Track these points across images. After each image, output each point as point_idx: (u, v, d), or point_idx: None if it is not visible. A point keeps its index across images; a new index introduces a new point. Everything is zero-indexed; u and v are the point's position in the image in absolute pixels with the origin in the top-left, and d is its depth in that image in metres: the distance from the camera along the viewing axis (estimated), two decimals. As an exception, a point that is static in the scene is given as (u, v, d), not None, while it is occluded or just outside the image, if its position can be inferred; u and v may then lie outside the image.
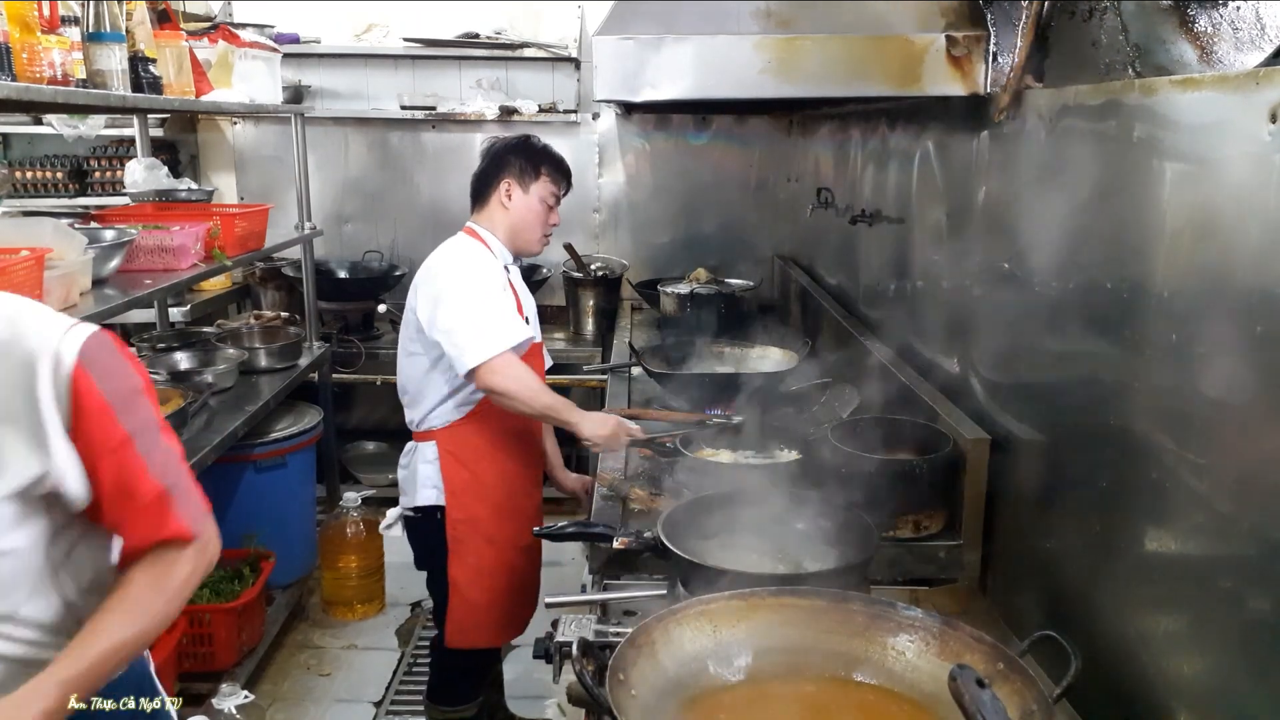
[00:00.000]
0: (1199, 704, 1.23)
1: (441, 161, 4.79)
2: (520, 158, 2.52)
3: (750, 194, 4.83)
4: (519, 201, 2.51)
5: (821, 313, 3.23)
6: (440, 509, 2.51)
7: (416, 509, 2.55)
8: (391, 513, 2.62)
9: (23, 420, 1.20)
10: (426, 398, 2.51)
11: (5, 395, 1.19)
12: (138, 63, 2.63)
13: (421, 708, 2.82)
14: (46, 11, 2.19)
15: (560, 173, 2.56)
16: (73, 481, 1.23)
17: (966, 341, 2.04)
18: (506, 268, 2.53)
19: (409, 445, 2.60)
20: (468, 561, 2.52)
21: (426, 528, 2.54)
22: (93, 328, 1.25)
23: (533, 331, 2.54)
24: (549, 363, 2.79)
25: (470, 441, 2.50)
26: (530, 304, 2.64)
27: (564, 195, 2.60)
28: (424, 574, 2.67)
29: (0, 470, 1.20)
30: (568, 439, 2.58)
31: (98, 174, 4.63)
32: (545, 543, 2.71)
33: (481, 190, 2.55)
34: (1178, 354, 1.25)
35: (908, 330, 2.48)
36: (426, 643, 3.40)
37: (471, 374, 2.31)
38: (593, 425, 2.34)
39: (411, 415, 2.57)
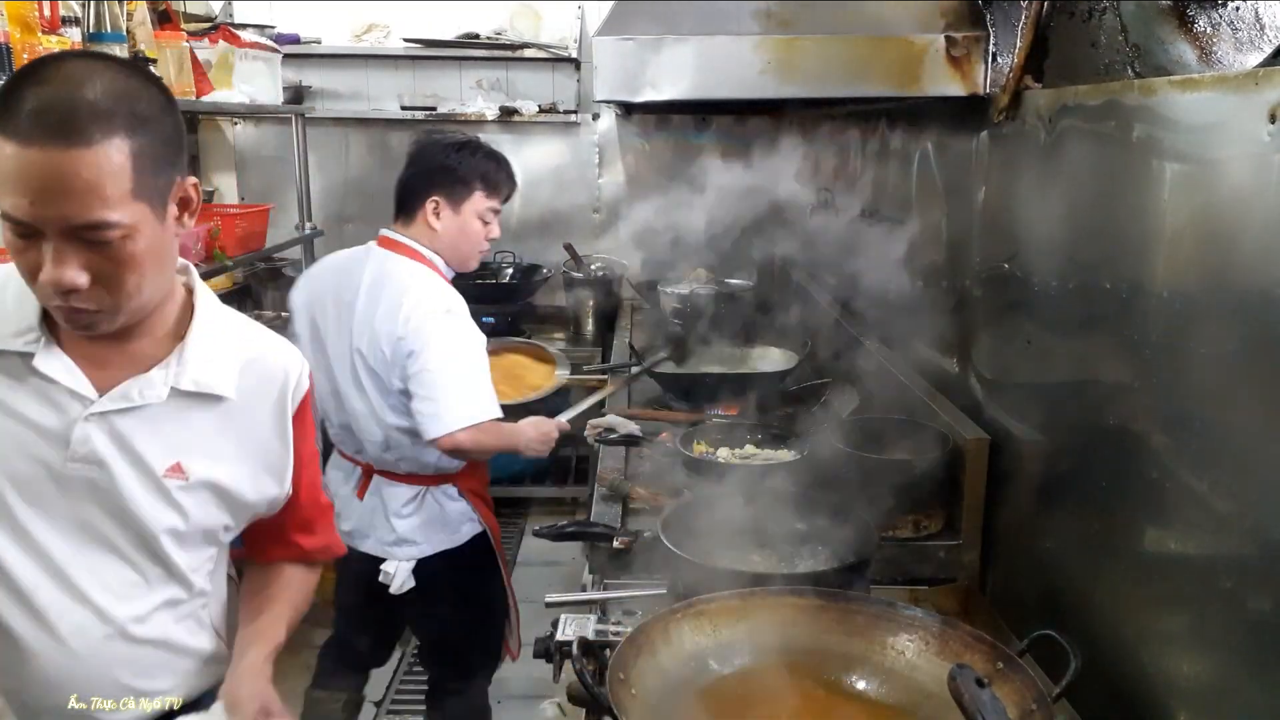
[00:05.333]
0: (1198, 703, 1.23)
1: (442, 162, 4.78)
2: (447, 173, 2.28)
3: (751, 194, 4.82)
4: (449, 223, 2.29)
5: (821, 313, 3.23)
6: (481, 535, 2.43)
7: (456, 549, 2.39)
8: (400, 571, 2.34)
9: (279, 429, 1.35)
10: (428, 454, 2.28)
11: (267, 412, 1.34)
12: (138, 63, 2.63)
13: (423, 708, 2.82)
14: (47, 12, 2.20)
15: (495, 185, 2.32)
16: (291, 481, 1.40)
17: (966, 341, 2.04)
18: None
19: (411, 491, 2.34)
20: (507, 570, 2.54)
21: (467, 560, 2.41)
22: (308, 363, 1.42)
23: None
24: None
25: (481, 475, 2.47)
26: None
27: (506, 201, 2.37)
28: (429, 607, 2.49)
29: (266, 481, 1.36)
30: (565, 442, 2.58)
31: (98, 174, 4.62)
32: (544, 542, 2.71)
33: (407, 203, 2.31)
34: (1177, 354, 1.25)
35: (907, 330, 2.49)
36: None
37: (441, 438, 2.15)
38: (535, 443, 2.34)
39: (408, 469, 2.34)
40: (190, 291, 1.31)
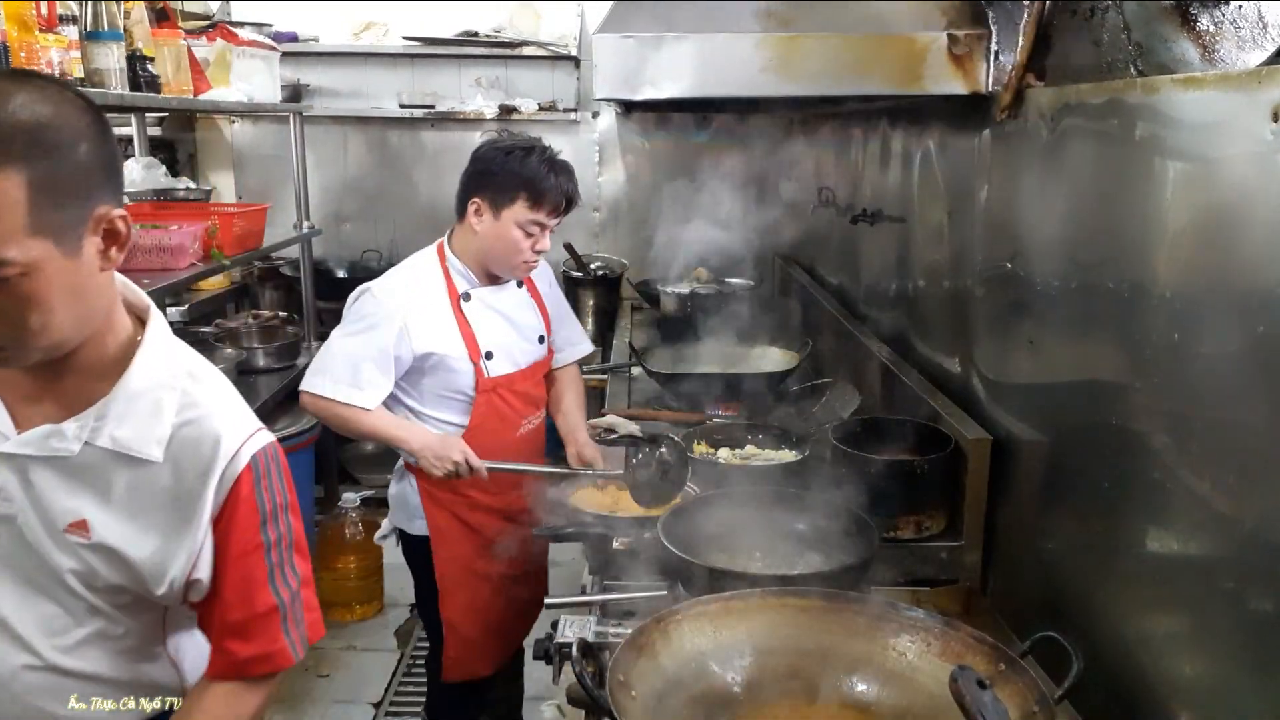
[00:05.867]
0: (1200, 705, 1.23)
1: (440, 160, 4.78)
2: (492, 177, 2.21)
3: (750, 194, 4.83)
4: (488, 227, 2.22)
5: (821, 313, 3.23)
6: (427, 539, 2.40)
7: (410, 534, 2.44)
8: (385, 524, 2.55)
9: (193, 506, 1.21)
10: None
11: (188, 485, 1.21)
12: (136, 61, 2.62)
13: (420, 708, 2.82)
14: (44, 10, 2.19)
15: (540, 195, 2.18)
16: (204, 569, 1.23)
17: (967, 341, 2.03)
18: (465, 295, 2.28)
19: (399, 462, 2.45)
20: (459, 600, 2.40)
21: (416, 554, 2.44)
22: (270, 438, 1.28)
23: (494, 369, 2.30)
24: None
25: (447, 484, 2.29)
26: (510, 327, 2.35)
27: (559, 216, 2.25)
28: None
29: (173, 558, 1.22)
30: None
31: (96, 173, 4.62)
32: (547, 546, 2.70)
33: (459, 202, 2.29)
34: (1178, 354, 1.25)
35: (908, 330, 2.48)
36: (425, 643, 3.40)
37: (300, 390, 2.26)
38: (428, 459, 2.20)
39: None
40: (144, 326, 1.22)
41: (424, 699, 2.81)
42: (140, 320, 1.25)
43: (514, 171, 2.19)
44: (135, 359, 1.20)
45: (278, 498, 1.27)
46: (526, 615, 2.57)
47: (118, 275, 1.20)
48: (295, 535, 1.31)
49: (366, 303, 2.25)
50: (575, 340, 2.59)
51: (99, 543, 1.19)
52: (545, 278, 2.51)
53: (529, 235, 2.22)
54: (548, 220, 2.23)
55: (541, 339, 2.43)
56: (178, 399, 1.21)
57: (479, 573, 2.41)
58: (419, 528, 2.39)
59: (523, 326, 2.38)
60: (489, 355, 2.28)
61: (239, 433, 1.24)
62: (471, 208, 2.24)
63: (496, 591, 2.43)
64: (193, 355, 1.29)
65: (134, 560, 1.20)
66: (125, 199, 3.79)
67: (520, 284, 2.41)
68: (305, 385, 2.24)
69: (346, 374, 2.18)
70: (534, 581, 2.55)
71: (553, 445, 2.53)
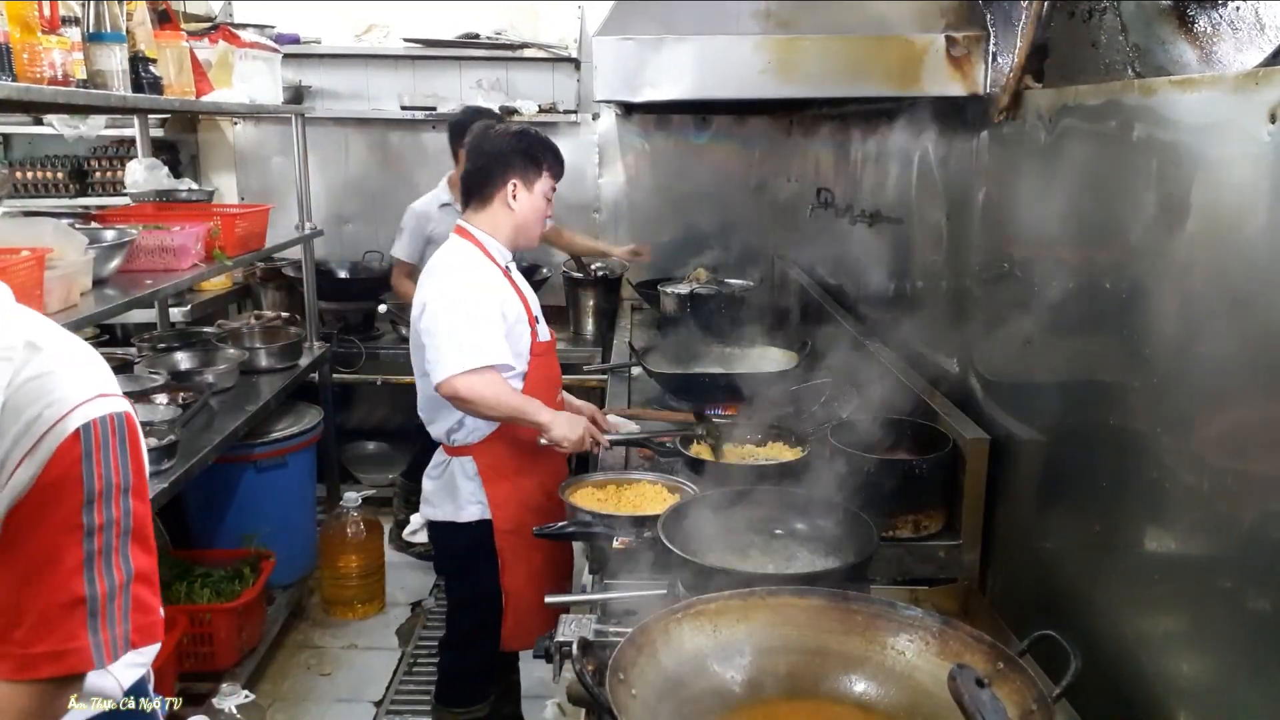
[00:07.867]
0: (1198, 703, 1.23)
1: (442, 162, 4.76)
2: (522, 156, 2.43)
3: (750, 194, 4.84)
4: (524, 202, 2.43)
5: (821, 313, 3.23)
6: (487, 523, 2.47)
7: (458, 524, 2.50)
8: (415, 519, 2.62)
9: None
10: (444, 417, 2.46)
11: (6, 446, 1.10)
12: (138, 63, 2.63)
13: (424, 708, 2.83)
14: (47, 12, 2.19)
15: (559, 164, 2.49)
16: None
17: (966, 341, 2.04)
18: (507, 268, 2.47)
19: (440, 457, 2.54)
20: (520, 570, 2.49)
21: (468, 540, 2.50)
22: (119, 408, 1.16)
23: (542, 334, 2.48)
24: None
25: (508, 453, 2.45)
26: (535, 301, 2.56)
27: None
28: (432, 577, 2.66)
29: None
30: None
31: (98, 174, 4.64)
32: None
33: (482, 190, 2.45)
34: (1176, 354, 1.25)
35: (908, 330, 2.49)
36: (427, 642, 3.41)
37: (440, 384, 2.29)
38: (562, 428, 2.31)
39: (435, 432, 2.52)
40: None
41: (426, 695, 2.82)
42: None
43: (535, 150, 2.44)
44: None
45: (114, 477, 1.13)
46: (569, 578, 2.64)
47: None
48: (135, 523, 1.16)
49: (458, 276, 2.37)
50: None
51: None
52: None
53: (547, 202, 2.49)
54: (556, 186, 2.51)
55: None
56: (11, 370, 1.10)
57: (534, 541, 2.44)
58: (471, 513, 2.48)
59: (535, 302, 2.56)
60: (537, 319, 2.47)
61: (73, 396, 1.11)
62: (509, 189, 2.42)
63: (550, 558, 2.54)
64: (38, 325, 1.18)
65: None
66: (127, 200, 3.81)
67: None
68: (453, 367, 2.24)
69: (478, 342, 2.28)
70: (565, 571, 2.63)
71: None
